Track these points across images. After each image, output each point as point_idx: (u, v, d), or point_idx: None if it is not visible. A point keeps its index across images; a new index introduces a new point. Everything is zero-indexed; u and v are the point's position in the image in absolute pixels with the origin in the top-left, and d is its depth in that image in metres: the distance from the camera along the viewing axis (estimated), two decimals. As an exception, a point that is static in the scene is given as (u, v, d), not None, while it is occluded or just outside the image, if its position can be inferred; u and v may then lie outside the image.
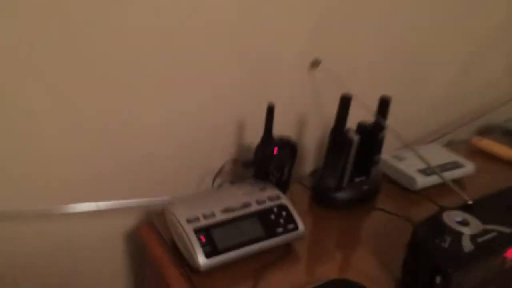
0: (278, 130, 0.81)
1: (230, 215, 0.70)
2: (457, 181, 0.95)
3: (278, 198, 0.75)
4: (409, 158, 0.97)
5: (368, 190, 0.86)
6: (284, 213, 0.73)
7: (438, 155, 1.00)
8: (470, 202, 0.69)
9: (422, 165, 0.94)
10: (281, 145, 0.81)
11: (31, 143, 0.66)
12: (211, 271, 0.65)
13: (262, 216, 0.71)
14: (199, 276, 0.65)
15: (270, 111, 0.77)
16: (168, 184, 0.82)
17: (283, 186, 0.85)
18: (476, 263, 0.59)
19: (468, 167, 0.98)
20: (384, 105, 0.83)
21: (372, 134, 0.85)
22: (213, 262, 0.65)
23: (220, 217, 0.69)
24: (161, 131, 0.77)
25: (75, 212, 0.74)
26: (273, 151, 0.80)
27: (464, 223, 0.65)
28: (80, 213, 0.75)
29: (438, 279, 0.58)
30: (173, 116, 0.77)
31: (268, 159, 0.80)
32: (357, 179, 0.86)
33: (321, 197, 0.86)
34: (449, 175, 0.95)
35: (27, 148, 0.66)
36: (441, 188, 0.92)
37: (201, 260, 0.64)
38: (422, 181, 0.91)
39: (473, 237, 0.62)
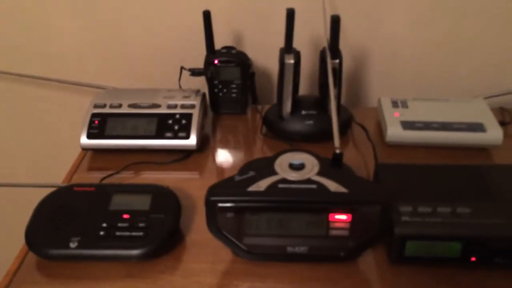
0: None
1: (133, 111, 0.75)
2: (475, 149, 0.73)
3: (191, 107, 0.75)
4: (414, 108, 0.76)
5: (314, 126, 0.74)
6: (184, 122, 0.73)
7: (465, 112, 0.74)
8: (337, 151, 0.54)
9: (422, 118, 0.74)
10: (225, 58, 0.78)
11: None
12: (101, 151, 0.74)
13: (162, 119, 0.74)
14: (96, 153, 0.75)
15: (206, 16, 0.74)
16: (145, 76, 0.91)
17: (234, 105, 0.82)
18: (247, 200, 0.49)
19: (492, 134, 0.71)
20: (334, 25, 0.68)
21: (323, 61, 0.71)
22: (93, 144, 0.73)
23: (123, 110, 0.75)
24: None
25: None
26: (213, 62, 0.78)
27: (297, 167, 0.53)
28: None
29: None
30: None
31: (206, 68, 0.79)
32: (304, 112, 0.75)
33: (266, 126, 0.79)
34: (453, 136, 0.71)
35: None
36: (431, 149, 0.72)
37: (83, 139, 0.73)
38: (396, 134, 0.72)
39: (278, 182, 0.51)
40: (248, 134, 0.80)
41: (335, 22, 0.67)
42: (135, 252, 0.53)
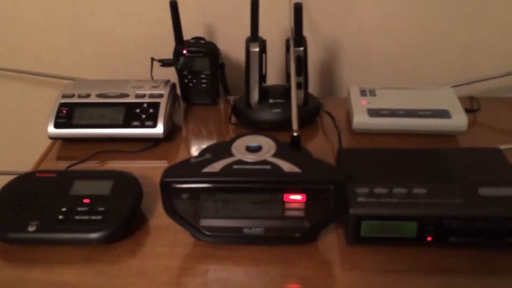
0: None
1: (101, 100, 0.75)
2: (441, 135, 0.73)
3: (159, 97, 0.75)
4: (382, 96, 0.77)
5: (281, 114, 0.75)
6: (151, 111, 0.73)
7: (432, 100, 0.75)
8: (295, 134, 0.54)
9: (389, 106, 0.74)
10: (194, 48, 0.78)
11: None
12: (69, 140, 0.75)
13: (129, 108, 0.74)
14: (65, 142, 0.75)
15: (173, 6, 0.75)
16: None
17: (204, 96, 0.83)
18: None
19: (457, 121, 0.71)
20: (297, 13, 0.68)
21: (288, 51, 0.72)
22: (60, 133, 0.73)
23: (91, 99, 0.75)
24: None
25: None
26: (182, 52, 0.78)
27: (253, 150, 0.53)
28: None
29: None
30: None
31: (175, 59, 0.79)
32: (272, 101, 0.75)
33: (235, 115, 0.79)
34: (419, 123, 0.72)
35: None
36: (397, 136, 0.73)
37: (50, 129, 0.73)
38: (362, 121, 0.73)
39: (234, 163, 0.51)
40: (219, 124, 0.81)
41: (298, 10, 0.67)
42: (93, 235, 0.53)
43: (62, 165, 0.70)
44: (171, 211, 0.52)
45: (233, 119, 0.80)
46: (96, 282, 0.51)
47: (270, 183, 0.49)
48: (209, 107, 0.84)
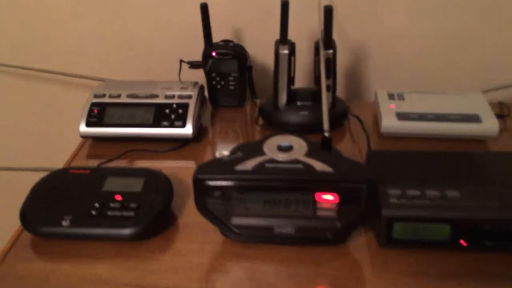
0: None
1: (131, 100, 0.76)
2: (471, 141, 0.72)
3: (188, 98, 0.76)
4: (410, 100, 0.76)
5: (309, 117, 0.75)
6: (180, 111, 0.74)
7: (462, 104, 0.74)
8: (326, 134, 0.54)
9: (418, 110, 0.74)
10: (223, 50, 0.79)
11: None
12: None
13: (159, 108, 0.75)
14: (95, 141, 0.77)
15: (204, 8, 0.76)
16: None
17: (231, 98, 0.83)
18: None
19: (488, 125, 0.70)
20: (327, 15, 0.69)
21: (317, 53, 0.72)
22: (91, 131, 0.74)
23: (122, 99, 0.77)
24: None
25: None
26: (211, 54, 0.79)
27: (285, 149, 0.53)
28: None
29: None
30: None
31: (204, 61, 0.80)
32: (299, 103, 0.76)
33: (262, 117, 0.80)
34: (448, 127, 0.71)
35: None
36: (426, 140, 0.72)
37: (82, 127, 0.74)
38: (391, 124, 0.72)
39: (266, 162, 0.51)
40: (245, 126, 0.81)
41: (328, 12, 0.67)
42: (125, 231, 0.54)
43: (93, 163, 0.71)
44: (203, 208, 0.52)
45: (260, 121, 0.80)
46: (127, 276, 0.52)
47: (302, 182, 0.49)
48: (236, 109, 0.85)
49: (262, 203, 0.51)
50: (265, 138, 0.55)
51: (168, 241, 0.56)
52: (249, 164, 0.51)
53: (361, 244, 0.55)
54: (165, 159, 0.72)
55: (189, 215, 0.60)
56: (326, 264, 0.52)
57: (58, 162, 0.78)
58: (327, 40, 0.70)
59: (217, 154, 0.73)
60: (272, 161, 0.51)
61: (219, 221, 0.53)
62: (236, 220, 0.52)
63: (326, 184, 0.49)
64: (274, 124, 0.77)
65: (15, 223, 0.58)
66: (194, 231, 0.57)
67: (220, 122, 0.82)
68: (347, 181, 0.49)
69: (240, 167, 0.51)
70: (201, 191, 0.51)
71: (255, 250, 0.54)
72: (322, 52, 0.67)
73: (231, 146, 0.74)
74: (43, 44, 0.93)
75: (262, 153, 0.53)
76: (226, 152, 0.73)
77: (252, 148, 0.54)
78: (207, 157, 0.73)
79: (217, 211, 0.52)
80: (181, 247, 0.55)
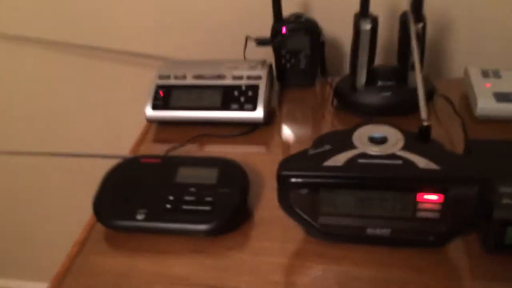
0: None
1: (197, 82, 0.72)
2: None
3: (257, 78, 0.71)
4: (509, 78, 0.68)
5: (392, 98, 0.68)
6: (250, 93, 0.69)
7: None
8: (425, 124, 0.48)
9: (518, 90, 0.65)
10: (293, 26, 0.73)
11: None
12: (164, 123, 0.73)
13: (227, 90, 0.70)
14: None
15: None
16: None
17: (302, 77, 0.78)
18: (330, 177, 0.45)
19: None
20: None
21: (404, 26, 0.64)
22: (158, 115, 0.71)
23: (187, 81, 0.72)
24: None
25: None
26: (280, 30, 0.73)
27: (379, 141, 0.47)
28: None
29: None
30: None
31: (273, 38, 0.74)
32: (380, 83, 0.69)
33: (337, 99, 0.73)
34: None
35: None
36: None
37: (148, 111, 0.71)
38: (488, 106, 0.64)
39: (358, 157, 0.45)
40: (317, 107, 0.75)
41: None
42: (202, 227, 0.51)
43: (160, 148, 0.68)
44: (287, 206, 0.48)
45: (334, 103, 0.74)
46: (207, 276, 0.49)
47: (404, 181, 0.43)
48: (305, 89, 0.79)
49: (353, 202, 0.46)
50: (354, 128, 0.50)
51: (245, 238, 0.53)
52: (339, 159, 0.45)
53: (460, 249, 0.49)
54: (233, 144, 0.68)
55: (265, 208, 0.56)
56: (424, 270, 0.47)
57: (122, 146, 0.76)
58: (417, 12, 0.62)
59: (291, 139, 0.68)
60: (364, 155, 0.46)
61: (304, 219, 0.48)
62: (324, 220, 0.48)
63: (433, 183, 0.43)
64: (351, 106, 0.70)
65: (87, 211, 0.56)
66: (272, 227, 0.53)
67: (289, 103, 0.77)
68: (457, 180, 0.43)
69: (329, 162, 0.45)
70: (286, 189, 0.46)
71: (339, 251, 0.50)
72: (412, 26, 0.59)
73: (303, 130, 0.70)
74: (103, 22, 0.90)
75: (352, 146, 0.47)
76: (298, 139, 0.68)
77: (340, 140, 0.48)
78: (277, 142, 0.68)
79: (303, 209, 0.48)
80: (260, 245, 0.52)
